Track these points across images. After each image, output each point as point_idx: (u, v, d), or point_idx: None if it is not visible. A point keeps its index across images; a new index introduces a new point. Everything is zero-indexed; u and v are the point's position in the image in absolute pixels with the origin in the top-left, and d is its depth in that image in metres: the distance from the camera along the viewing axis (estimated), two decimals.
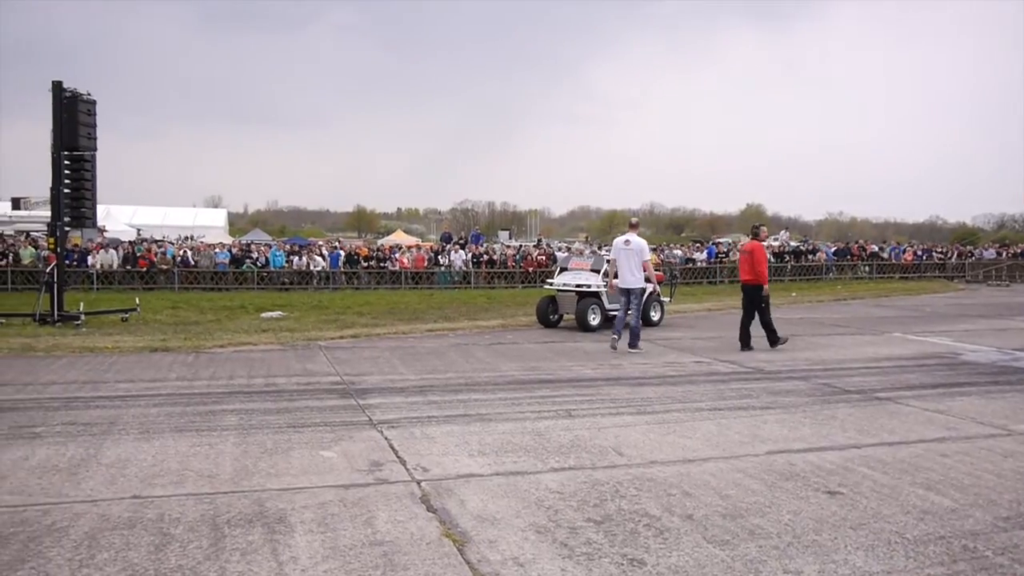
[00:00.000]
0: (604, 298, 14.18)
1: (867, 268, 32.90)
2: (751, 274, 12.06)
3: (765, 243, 13.27)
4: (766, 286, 12.05)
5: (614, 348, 11.70)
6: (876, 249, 35.46)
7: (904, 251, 35.69)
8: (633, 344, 11.74)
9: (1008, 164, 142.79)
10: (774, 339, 11.95)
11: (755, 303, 12.03)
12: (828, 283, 29.31)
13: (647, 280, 12.19)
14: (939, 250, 37.84)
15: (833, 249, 35.51)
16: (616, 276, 12.03)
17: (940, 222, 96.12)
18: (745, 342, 11.99)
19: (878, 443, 6.25)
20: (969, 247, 40.83)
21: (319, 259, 26.66)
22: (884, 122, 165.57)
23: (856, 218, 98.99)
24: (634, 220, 13.04)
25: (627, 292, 11.88)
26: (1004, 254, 36.55)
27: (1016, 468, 5.56)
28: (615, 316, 14.49)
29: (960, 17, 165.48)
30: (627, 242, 11.96)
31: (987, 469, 5.51)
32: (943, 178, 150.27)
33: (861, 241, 38.57)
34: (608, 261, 12.89)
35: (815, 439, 6.37)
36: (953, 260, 35.38)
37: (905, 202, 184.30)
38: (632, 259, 11.79)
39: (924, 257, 35.10)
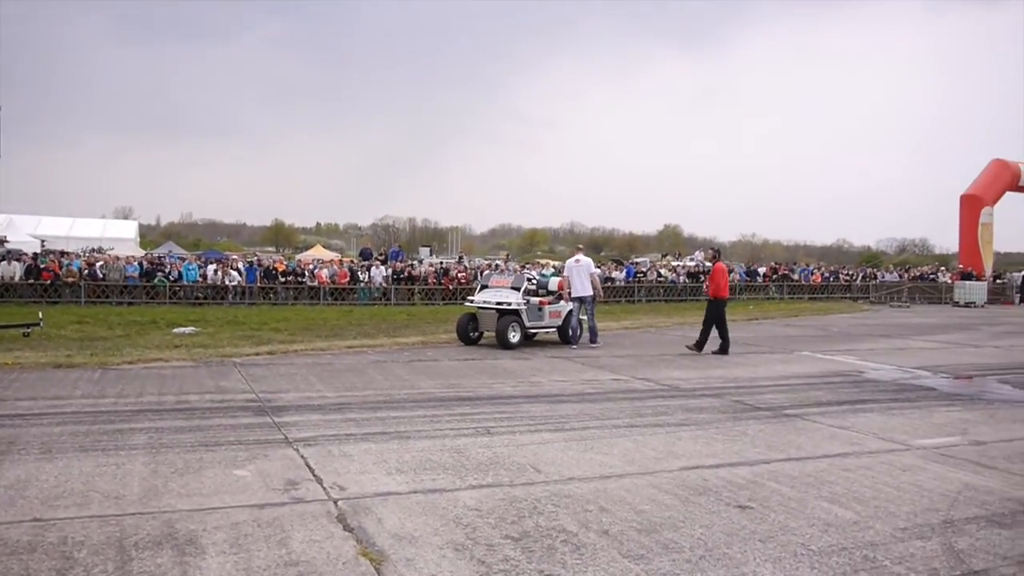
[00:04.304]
0: (524, 316, 14.29)
1: (777, 289, 33.98)
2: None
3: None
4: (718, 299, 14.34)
5: (574, 345, 14.61)
6: (787, 271, 36.71)
7: (813, 273, 37.04)
8: (593, 340, 14.82)
9: (910, 191, 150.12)
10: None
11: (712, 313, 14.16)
12: (740, 303, 30.14)
13: (594, 289, 15.00)
14: (845, 272, 39.43)
15: (745, 270, 36.61)
16: (570, 288, 14.82)
17: (847, 245, 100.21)
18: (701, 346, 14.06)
19: (786, 458, 6.46)
20: (873, 269, 42.62)
21: (235, 273, 26.07)
22: (795, 148, 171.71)
23: (768, 240, 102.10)
24: (580, 246, 16.79)
25: (580, 300, 14.85)
26: (905, 277, 38.31)
27: (914, 481, 5.82)
28: (535, 334, 14.87)
29: (868, 49, 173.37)
30: (578, 260, 15.06)
31: (887, 483, 5.76)
32: (849, 203, 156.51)
33: (774, 264, 39.81)
34: (564, 276, 15.36)
35: (727, 455, 6.54)
36: (858, 282, 36.91)
37: (814, 225, 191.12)
38: (583, 273, 14.79)
39: (831, 279, 36.53)
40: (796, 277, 35.78)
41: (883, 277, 38.28)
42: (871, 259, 69.91)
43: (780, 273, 35.72)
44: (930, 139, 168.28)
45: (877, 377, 11.49)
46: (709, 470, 6.01)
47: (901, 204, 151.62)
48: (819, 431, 7.58)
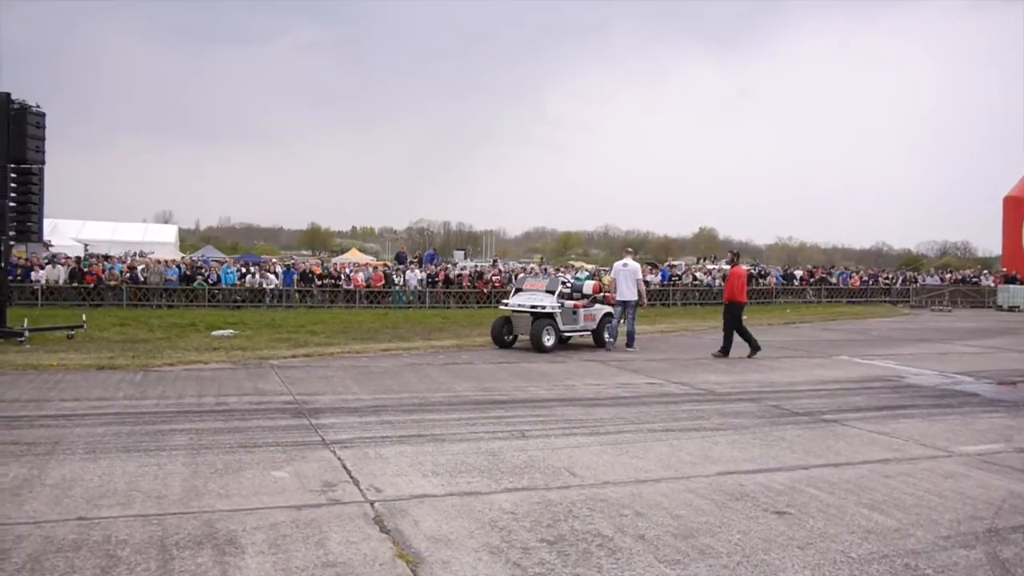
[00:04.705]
0: (558, 319, 14.27)
1: (815, 292, 33.56)
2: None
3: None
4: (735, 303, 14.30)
5: (609, 349, 14.68)
6: (824, 274, 36.23)
7: (851, 276, 36.53)
8: (630, 344, 14.76)
9: (951, 193, 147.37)
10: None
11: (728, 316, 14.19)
12: (777, 307, 29.82)
13: (639, 295, 15.09)
14: (885, 276, 38.82)
15: (782, 273, 36.20)
16: (615, 291, 15.09)
17: (886, 248, 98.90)
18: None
19: (825, 464, 6.38)
20: (913, 273, 41.94)
21: (272, 277, 26.38)
22: (832, 149, 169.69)
23: (805, 243, 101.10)
24: (630, 249, 16.84)
25: (624, 304, 14.97)
26: (946, 280, 37.63)
27: (956, 489, 5.72)
28: (569, 337, 14.83)
29: (905, 48, 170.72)
30: (625, 264, 15.20)
31: (929, 489, 5.66)
32: (889, 206, 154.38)
33: (810, 267, 39.32)
34: (611, 278, 15.78)
35: (764, 460, 6.48)
36: (898, 285, 36.30)
37: (852, 228, 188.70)
38: (629, 278, 14.94)
39: (871, 282, 35.97)
40: (834, 281, 35.31)
41: (924, 280, 37.67)
42: (911, 262, 68.86)
43: (818, 277, 35.26)
44: (972, 140, 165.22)
45: (918, 382, 11.30)
46: (746, 475, 5.95)
47: (942, 206, 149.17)
48: (858, 437, 7.47)
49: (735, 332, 13.94)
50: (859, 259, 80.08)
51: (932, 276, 39.62)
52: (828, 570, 4.10)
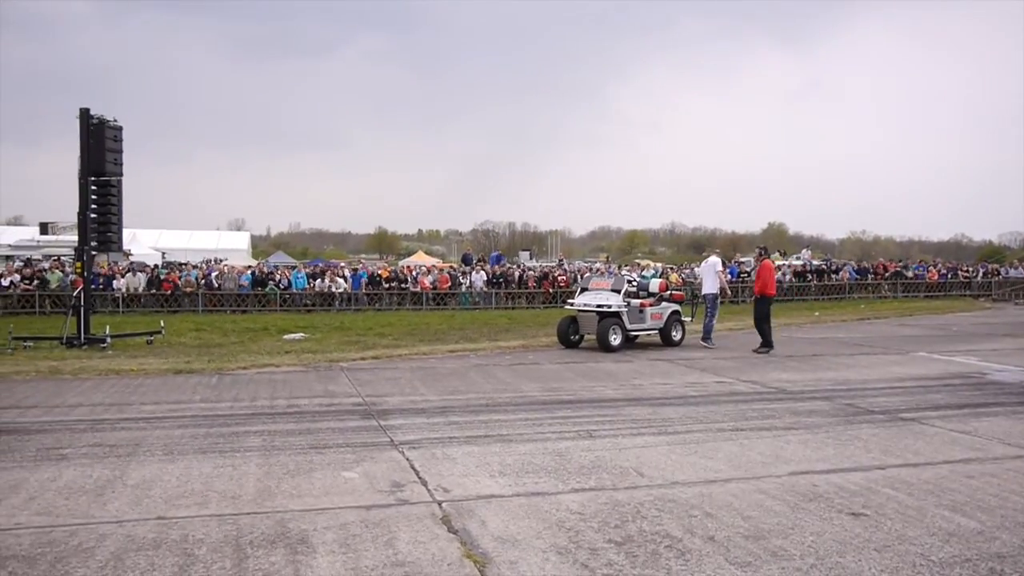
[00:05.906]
0: (625, 318, 14.16)
1: (890, 287, 32.57)
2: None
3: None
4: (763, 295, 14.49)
5: (707, 345, 14.81)
6: (900, 268, 35.10)
7: (928, 270, 35.35)
8: (704, 338, 14.99)
9: None
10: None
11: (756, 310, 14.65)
12: (851, 302, 29.07)
13: (721, 289, 15.47)
14: (965, 269, 37.43)
15: (854, 267, 35.20)
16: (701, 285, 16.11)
17: (965, 240, 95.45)
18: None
19: (902, 464, 6.19)
20: (996, 265, 40.33)
21: (341, 281, 26.83)
22: (908, 140, 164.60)
23: (880, 236, 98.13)
24: (717, 251, 18.85)
25: (703, 297, 15.69)
26: None
27: None
28: (636, 336, 14.72)
29: (985, 34, 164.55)
30: (706, 261, 16.22)
31: (1014, 490, 5.44)
32: (969, 195, 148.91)
33: (881, 260, 38.15)
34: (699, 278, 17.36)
35: (838, 460, 6.31)
36: (979, 279, 34.97)
37: (929, 220, 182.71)
38: (709, 271, 15.63)
39: (949, 276, 34.73)
40: (910, 275, 34.21)
41: (1007, 273, 36.16)
42: (993, 254, 66.28)
43: (891, 271, 34.19)
44: None
45: (1002, 379, 10.87)
46: (820, 475, 5.81)
47: None
48: (938, 436, 7.23)
49: (758, 323, 14.26)
50: (937, 251, 77.22)
51: (1016, 268, 37.94)
52: (907, 573, 3.97)
